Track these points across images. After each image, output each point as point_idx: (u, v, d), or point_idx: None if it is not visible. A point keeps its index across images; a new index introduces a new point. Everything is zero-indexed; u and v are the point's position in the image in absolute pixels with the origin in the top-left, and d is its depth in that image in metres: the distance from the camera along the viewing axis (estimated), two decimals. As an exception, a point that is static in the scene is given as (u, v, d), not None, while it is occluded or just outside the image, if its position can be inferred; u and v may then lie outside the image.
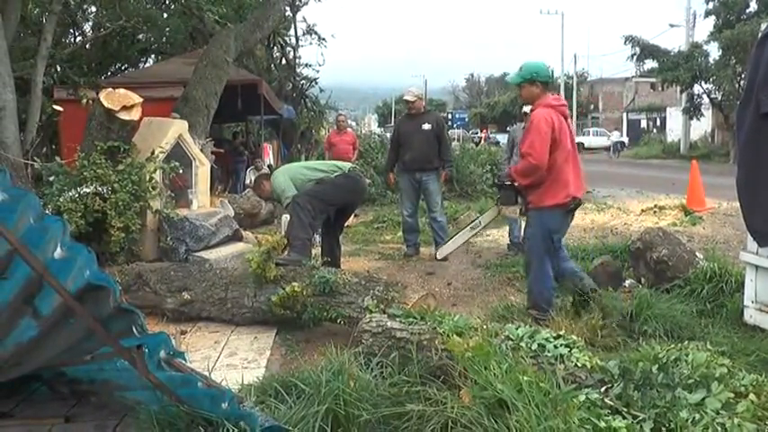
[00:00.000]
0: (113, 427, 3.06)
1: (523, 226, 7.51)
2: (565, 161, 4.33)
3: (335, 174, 5.65)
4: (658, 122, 44.21)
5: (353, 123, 19.07)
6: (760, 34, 4.15)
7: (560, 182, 4.32)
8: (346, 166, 5.94)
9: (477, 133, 48.53)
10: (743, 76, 21.33)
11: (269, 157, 15.37)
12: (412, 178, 7.25)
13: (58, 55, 12.09)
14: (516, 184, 4.54)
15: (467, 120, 60.84)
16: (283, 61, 19.01)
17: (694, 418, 2.45)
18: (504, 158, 7.46)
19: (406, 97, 7.50)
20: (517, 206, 4.75)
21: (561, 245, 4.63)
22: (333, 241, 5.98)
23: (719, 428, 2.38)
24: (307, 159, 15.31)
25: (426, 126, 7.26)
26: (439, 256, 4.99)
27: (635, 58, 29.35)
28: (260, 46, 16.05)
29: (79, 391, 3.28)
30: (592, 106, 53.05)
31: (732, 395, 2.57)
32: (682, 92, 29.39)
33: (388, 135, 13.94)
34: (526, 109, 7.74)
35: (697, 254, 5.41)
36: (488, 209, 5.70)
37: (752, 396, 2.56)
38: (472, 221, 5.34)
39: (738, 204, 4.09)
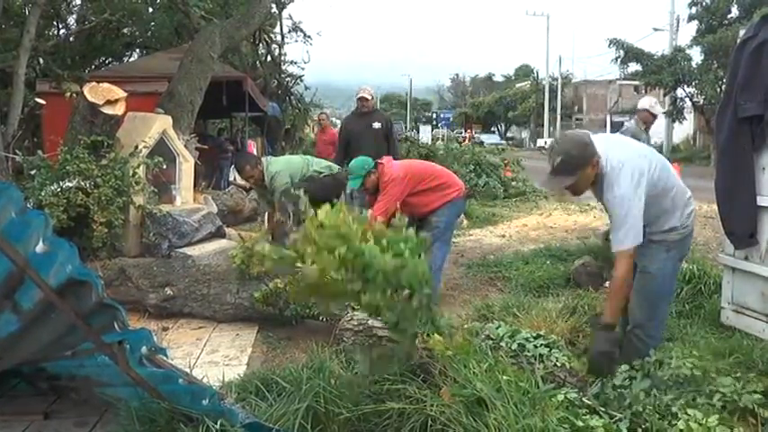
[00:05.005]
0: (93, 424, 3.05)
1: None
2: (441, 172, 5.35)
3: (324, 174, 5.77)
4: (641, 125, 44.47)
5: (338, 122, 18.98)
6: (738, 39, 4.21)
7: (451, 180, 5.30)
8: (335, 168, 6.01)
9: (461, 133, 48.59)
10: (724, 80, 21.56)
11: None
12: None
13: (41, 47, 11.98)
14: None
15: (451, 119, 60.99)
16: (269, 58, 18.91)
17: (670, 419, 2.49)
18: None
19: (362, 94, 7.41)
20: None
21: None
22: None
23: (694, 429, 2.42)
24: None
25: (377, 125, 7.25)
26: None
27: (619, 60, 29.54)
28: (245, 42, 15.97)
29: (59, 387, 3.26)
30: (576, 108, 53.37)
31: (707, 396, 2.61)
32: (665, 95, 29.58)
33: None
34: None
35: (677, 256, 5.46)
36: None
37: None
38: None
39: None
